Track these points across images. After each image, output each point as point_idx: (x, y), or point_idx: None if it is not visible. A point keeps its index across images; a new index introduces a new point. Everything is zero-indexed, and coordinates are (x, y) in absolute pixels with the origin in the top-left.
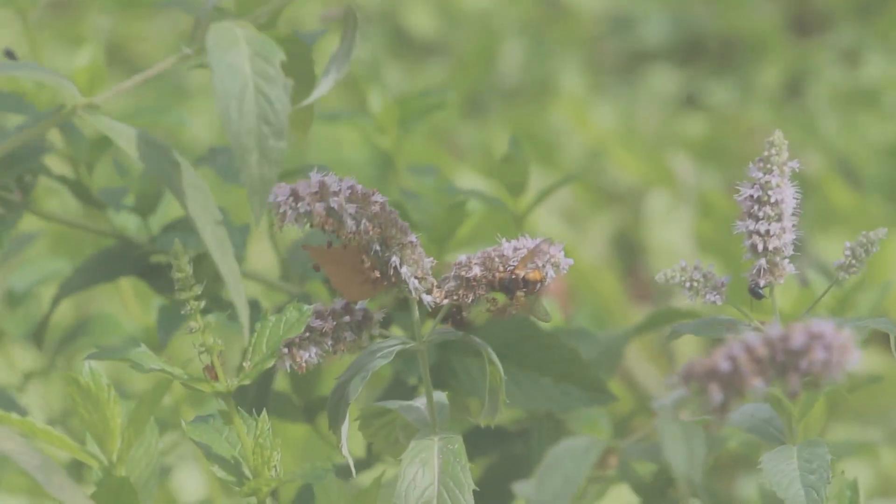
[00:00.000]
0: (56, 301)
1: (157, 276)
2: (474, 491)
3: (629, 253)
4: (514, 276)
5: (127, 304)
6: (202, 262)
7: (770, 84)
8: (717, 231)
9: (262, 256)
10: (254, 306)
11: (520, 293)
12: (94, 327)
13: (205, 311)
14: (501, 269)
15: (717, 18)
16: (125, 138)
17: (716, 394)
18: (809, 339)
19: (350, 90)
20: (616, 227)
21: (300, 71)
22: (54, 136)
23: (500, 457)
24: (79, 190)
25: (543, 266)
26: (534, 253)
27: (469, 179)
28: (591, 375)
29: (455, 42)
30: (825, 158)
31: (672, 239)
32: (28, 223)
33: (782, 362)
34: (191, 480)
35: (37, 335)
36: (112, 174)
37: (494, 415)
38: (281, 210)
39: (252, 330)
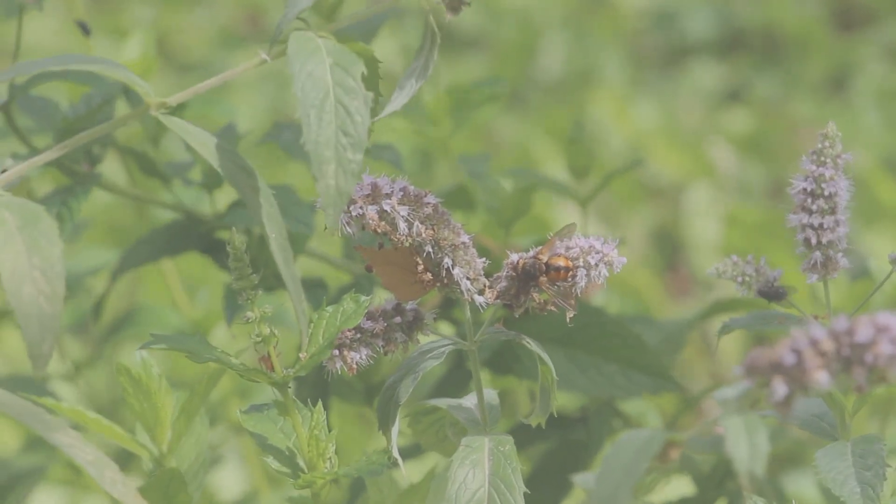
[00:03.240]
0: (116, 275)
1: (222, 251)
2: (525, 493)
3: (669, 248)
4: (535, 260)
5: (175, 295)
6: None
7: (813, 79)
8: (746, 240)
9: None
10: (319, 285)
11: (543, 279)
12: (140, 318)
13: (269, 289)
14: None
15: (759, 12)
16: (202, 143)
17: (780, 387)
18: (875, 332)
19: (391, 82)
20: (655, 222)
21: (368, 85)
22: (120, 108)
23: (560, 442)
24: (145, 163)
25: (597, 265)
26: (560, 237)
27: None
28: (656, 362)
29: (495, 36)
30: (870, 154)
31: (712, 233)
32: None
33: (847, 356)
34: (230, 478)
35: (94, 311)
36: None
37: (546, 415)
38: None
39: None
